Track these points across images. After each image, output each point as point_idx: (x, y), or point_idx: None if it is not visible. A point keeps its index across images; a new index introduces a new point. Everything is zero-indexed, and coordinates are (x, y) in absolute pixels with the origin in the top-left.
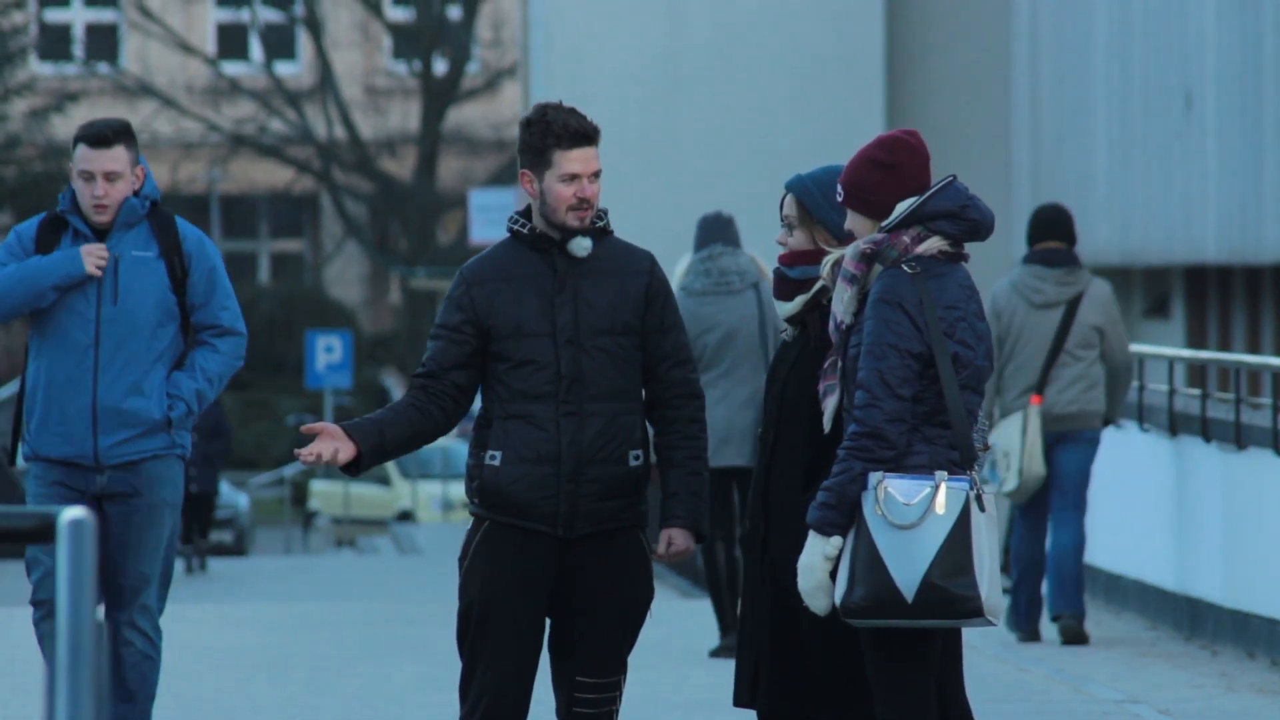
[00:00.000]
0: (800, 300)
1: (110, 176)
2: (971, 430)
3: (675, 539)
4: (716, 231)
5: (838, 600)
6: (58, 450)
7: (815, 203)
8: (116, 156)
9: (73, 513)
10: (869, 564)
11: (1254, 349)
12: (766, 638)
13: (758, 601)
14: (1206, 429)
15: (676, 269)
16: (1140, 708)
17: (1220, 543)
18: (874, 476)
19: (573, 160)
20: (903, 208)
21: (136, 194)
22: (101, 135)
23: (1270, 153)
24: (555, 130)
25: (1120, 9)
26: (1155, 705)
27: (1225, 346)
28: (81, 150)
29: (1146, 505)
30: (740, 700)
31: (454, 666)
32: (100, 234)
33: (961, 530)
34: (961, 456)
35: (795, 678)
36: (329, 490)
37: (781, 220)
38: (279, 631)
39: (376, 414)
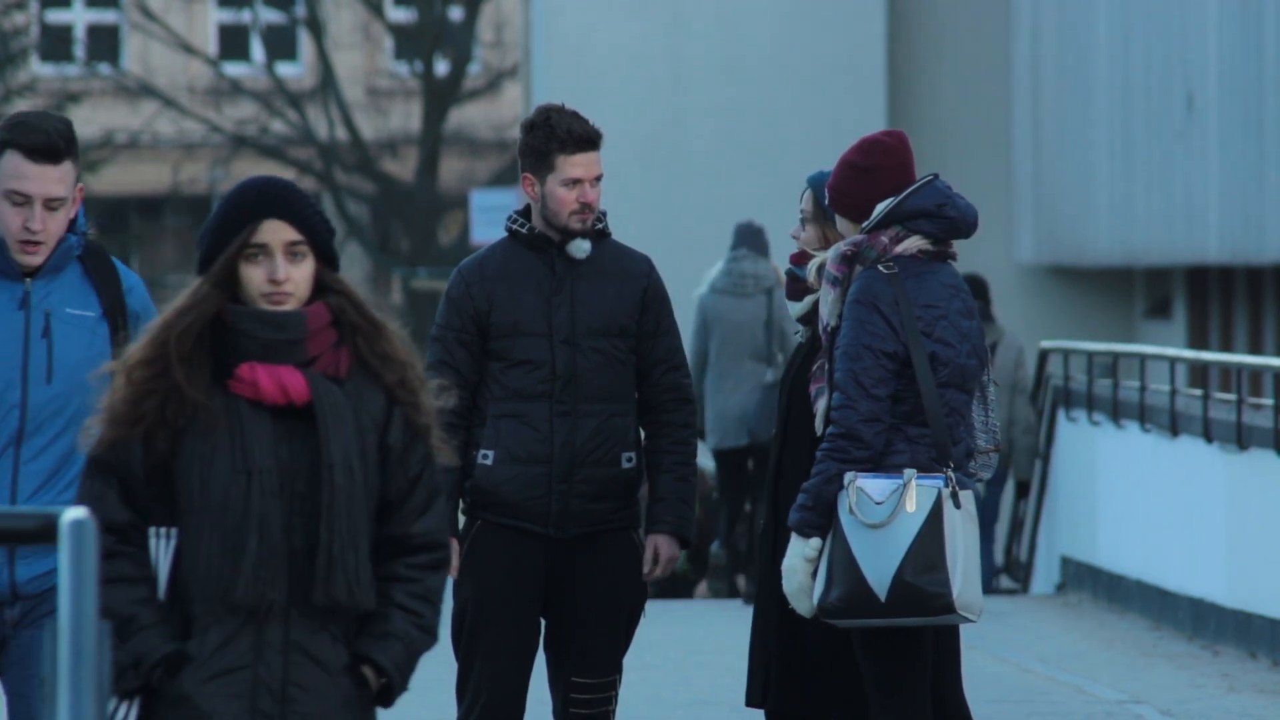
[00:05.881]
0: (809, 300)
1: (52, 204)
2: (955, 429)
3: (660, 546)
4: (745, 238)
5: (816, 601)
6: None
7: None
8: (64, 176)
9: (75, 513)
10: (844, 564)
11: (1256, 349)
12: (776, 639)
13: (768, 602)
14: (1208, 429)
15: (710, 271)
16: (1142, 708)
17: (1222, 543)
18: (848, 476)
19: (575, 165)
20: (881, 208)
21: (72, 226)
22: (49, 145)
23: (1272, 153)
24: (559, 135)
25: (1122, 10)
26: (1157, 705)
27: (1227, 347)
28: (14, 162)
29: (1148, 506)
30: (752, 700)
31: (454, 666)
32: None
33: (933, 527)
34: (939, 455)
35: (805, 678)
36: None
37: (799, 214)
38: None
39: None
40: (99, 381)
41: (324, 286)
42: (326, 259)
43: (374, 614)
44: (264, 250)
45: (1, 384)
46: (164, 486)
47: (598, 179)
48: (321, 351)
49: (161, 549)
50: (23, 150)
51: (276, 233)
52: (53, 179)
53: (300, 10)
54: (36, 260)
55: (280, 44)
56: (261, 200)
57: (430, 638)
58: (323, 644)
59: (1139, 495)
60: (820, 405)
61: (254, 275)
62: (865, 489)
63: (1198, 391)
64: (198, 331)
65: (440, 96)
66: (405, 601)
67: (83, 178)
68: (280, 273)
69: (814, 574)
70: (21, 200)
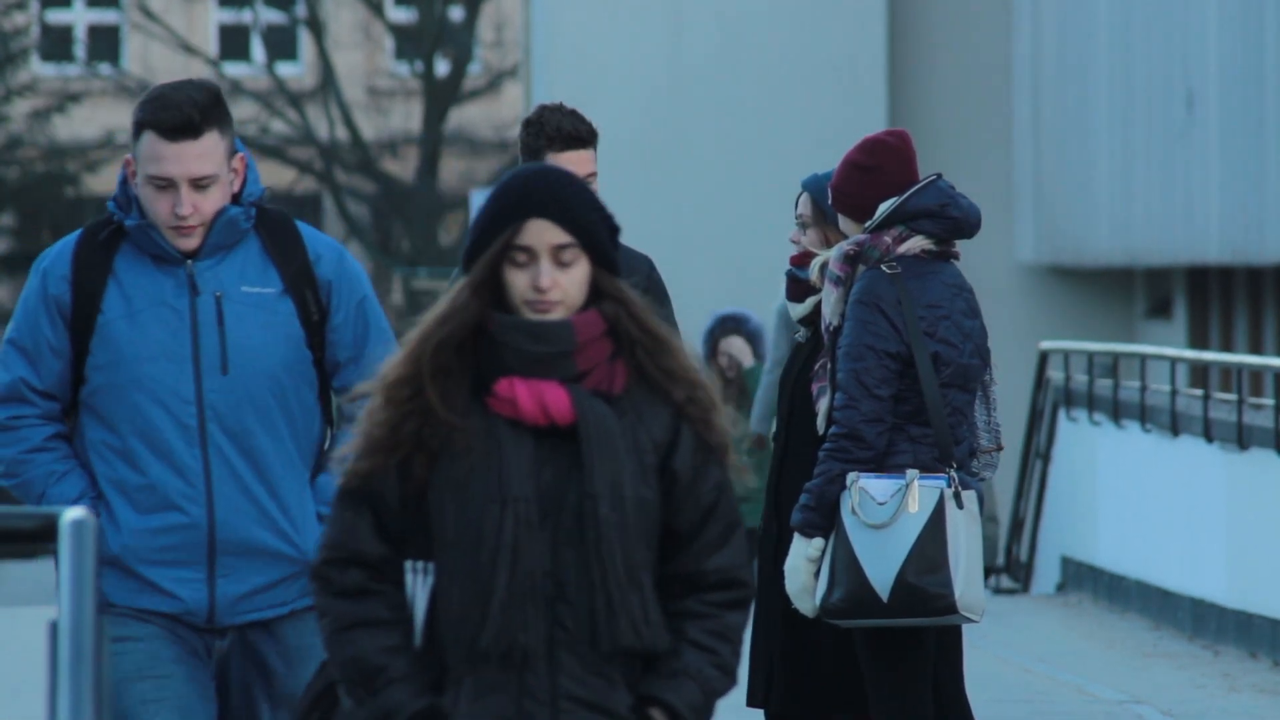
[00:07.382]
0: (811, 302)
1: (200, 183)
2: (957, 428)
3: None
4: None
5: (818, 601)
6: (149, 602)
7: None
8: (208, 151)
9: (74, 512)
10: (846, 564)
11: (1256, 349)
12: (779, 639)
13: (771, 602)
14: (1209, 429)
15: None
16: (1143, 708)
17: (1223, 543)
18: (850, 476)
19: (565, 162)
20: (884, 208)
21: (237, 197)
22: (185, 121)
23: (1272, 153)
24: (548, 132)
25: (1122, 10)
26: (1158, 706)
27: (1227, 347)
28: (150, 143)
29: (1149, 506)
30: (753, 701)
31: None
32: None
33: (935, 528)
34: (941, 454)
35: (807, 679)
36: None
37: (796, 219)
38: None
39: None
40: (287, 365)
41: (601, 293)
42: (604, 262)
43: (664, 651)
44: (529, 253)
45: (173, 378)
46: (420, 516)
47: (590, 176)
48: (594, 365)
49: (419, 585)
50: (158, 130)
51: (542, 234)
52: (194, 156)
53: (300, 10)
54: (191, 244)
55: (280, 44)
56: (526, 197)
57: (729, 679)
58: (598, 688)
59: (1139, 495)
60: (822, 405)
61: (517, 281)
62: (868, 489)
63: (1198, 391)
64: (457, 343)
65: (440, 96)
66: (699, 638)
67: (238, 145)
68: (544, 279)
69: (816, 574)
70: (165, 184)
